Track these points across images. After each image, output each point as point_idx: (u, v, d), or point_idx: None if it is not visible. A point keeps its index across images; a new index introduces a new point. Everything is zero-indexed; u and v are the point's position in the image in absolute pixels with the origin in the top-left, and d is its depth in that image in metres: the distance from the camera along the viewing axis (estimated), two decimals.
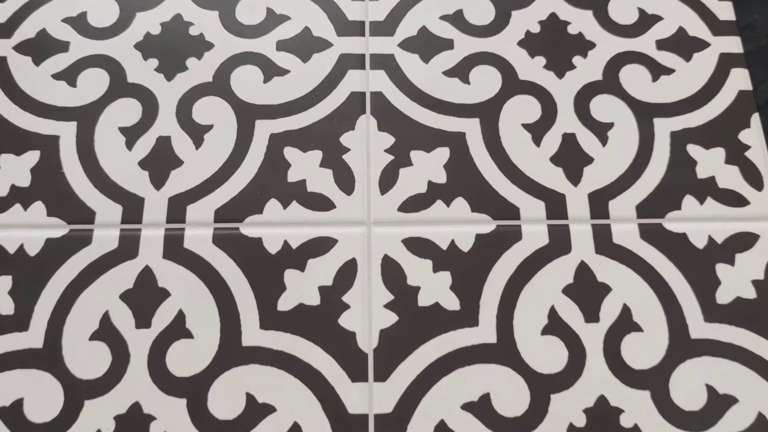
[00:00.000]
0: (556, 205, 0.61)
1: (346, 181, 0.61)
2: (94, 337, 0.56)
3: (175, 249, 0.59)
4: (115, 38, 0.67)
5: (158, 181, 0.61)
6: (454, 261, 0.58)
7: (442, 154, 0.63)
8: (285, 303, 0.57)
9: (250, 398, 0.54)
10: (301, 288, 0.57)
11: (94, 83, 0.65)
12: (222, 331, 0.56)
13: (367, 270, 0.58)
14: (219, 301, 0.57)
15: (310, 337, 0.56)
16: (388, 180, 0.61)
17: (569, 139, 0.63)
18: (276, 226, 0.59)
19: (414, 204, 0.60)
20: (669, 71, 0.66)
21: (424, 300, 0.57)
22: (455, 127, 0.64)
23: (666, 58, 0.67)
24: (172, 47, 0.67)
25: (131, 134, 0.63)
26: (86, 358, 0.55)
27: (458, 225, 0.60)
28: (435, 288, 0.57)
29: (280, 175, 0.61)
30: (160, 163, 0.62)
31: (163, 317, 0.56)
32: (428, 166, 0.62)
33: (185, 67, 0.66)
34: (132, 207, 0.60)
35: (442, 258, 0.58)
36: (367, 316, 0.57)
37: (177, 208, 0.60)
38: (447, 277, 0.58)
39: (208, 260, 0.58)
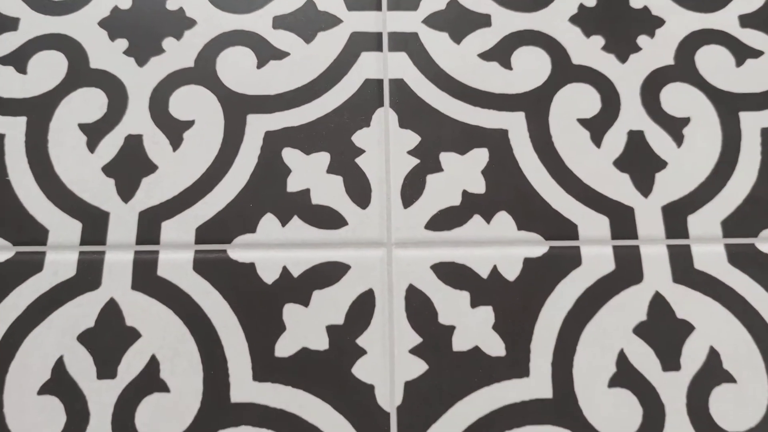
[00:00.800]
0: (622, 221, 0.48)
1: (360, 190, 0.49)
2: (44, 390, 0.44)
3: (146, 277, 0.46)
4: (75, 14, 0.54)
5: (126, 192, 0.49)
6: (497, 293, 0.46)
7: (480, 156, 0.50)
8: (284, 347, 0.45)
9: None
10: (305, 328, 0.45)
11: (48, 69, 0.52)
12: (205, 383, 0.44)
13: (387, 305, 0.46)
14: (201, 345, 0.45)
15: (316, 391, 0.44)
16: (412, 190, 0.49)
17: (636, 138, 0.51)
18: (273, 249, 0.47)
19: (445, 220, 0.48)
20: (756, 53, 0.54)
21: (460, 343, 0.45)
22: (495, 123, 0.51)
23: (752, 38, 0.54)
24: (145, 25, 0.54)
25: (94, 133, 0.50)
26: (33, 418, 0.43)
27: (501, 247, 0.47)
28: (474, 328, 0.45)
29: (277, 183, 0.49)
30: (129, 168, 0.49)
31: (131, 365, 0.44)
32: (462, 172, 0.49)
33: (161, 50, 0.53)
34: (94, 224, 0.48)
35: (482, 289, 0.46)
36: (389, 364, 0.44)
37: (149, 226, 0.48)
38: (488, 313, 0.46)
39: (188, 292, 0.46)
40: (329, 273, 0.46)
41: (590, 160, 0.50)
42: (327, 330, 0.45)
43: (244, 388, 0.44)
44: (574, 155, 0.50)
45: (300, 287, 0.46)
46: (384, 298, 0.46)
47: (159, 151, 0.50)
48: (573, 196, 0.49)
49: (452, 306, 0.46)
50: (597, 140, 0.51)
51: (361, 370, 0.44)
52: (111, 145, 0.50)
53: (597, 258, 0.47)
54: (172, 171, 0.49)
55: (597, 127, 0.51)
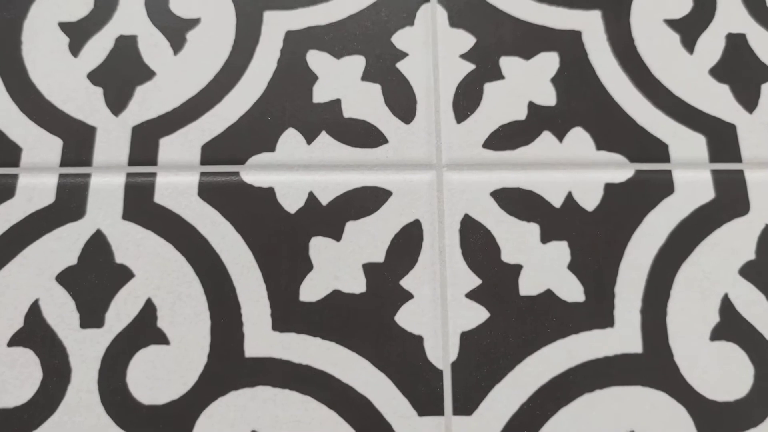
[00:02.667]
0: (722, 140, 0.38)
1: (402, 101, 0.38)
2: (15, 340, 0.34)
3: (141, 205, 0.37)
4: None
5: (117, 103, 0.39)
6: (573, 225, 0.36)
7: (548, 62, 0.40)
8: (311, 290, 0.35)
9: None
10: (337, 266, 0.35)
11: None
12: (213, 333, 0.34)
13: (438, 239, 0.36)
14: (209, 287, 0.35)
15: (351, 343, 0.34)
16: (467, 101, 0.38)
17: (737, 43, 0.40)
18: (296, 171, 0.37)
19: (508, 137, 0.38)
20: None
21: (528, 286, 0.35)
22: (566, 24, 0.40)
23: None
24: None
25: (78, 33, 0.40)
26: (2, 375, 0.34)
27: (577, 170, 0.37)
28: (545, 267, 0.35)
29: (301, 93, 0.39)
30: (121, 75, 0.39)
31: (122, 311, 0.35)
32: (528, 80, 0.39)
33: None
34: (77, 141, 0.38)
35: (555, 221, 0.36)
36: (441, 311, 0.35)
37: (145, 143, 0.38)
38: (563, 250, 0.36)
39: (192, 223, 0.36)
40: (365, 200, 0.36)
41: (681, 68, 0.40)
42: (364, 269, 0.35)
43: (261, 339, 0.34)
44: (661, 62, 0.40)
45: (330, 217, 0.36)
46: (434, 231, 0.36)
47: (157, 54, 0.40)
48: (662, 111, 0.38)
49: (518, 241, 0.36)
50: (689, 45, 0.40)
51: (406, 318, 0.34)
52: (99, 47, 0.40)
53: (693, 184, 0.37)
54: (173, 78, 0.39)
55: (688, 29, 0.40)
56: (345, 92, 0.38)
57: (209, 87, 0.39)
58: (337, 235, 0.36)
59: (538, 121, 0.38)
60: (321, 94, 0.38)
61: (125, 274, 0.35)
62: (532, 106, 0.38)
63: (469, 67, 0.39)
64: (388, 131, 0.37)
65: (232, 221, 0.36)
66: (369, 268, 0.35)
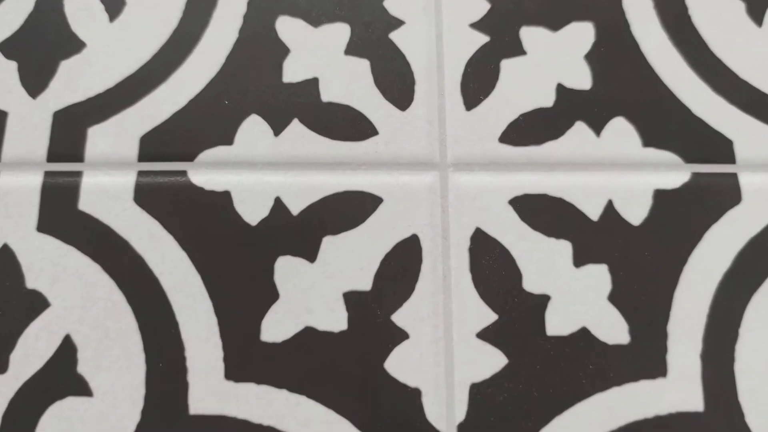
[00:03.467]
0: None
1: (397, 82, 0.30)
2: None
3: (61, 213, 0.28)
4: None
5: (36, 81, 0.30)
6: (615, 243, 0.28)
7: (582, 34, 0.31)
8: (276, 326, 0.27)
9: None
10: (310, 295, 0.27)
11: None
12: (149, 382, 0.26)
13: (441, 261, 0.27)
14: (144, 321, 0.27)
15: (327, 398, 0.26)
16: (479, 82, 0.30)
17: None
18: (260, 170, 0.29)
19: (531, 129, 0.29)
20: None
21: (557, 323, 0.27)
22: None
23: None
24: None
25: None
26: None
27: (619, 172, 0.29)
28: (579, 298, 0.27)
29: (268, 70, 0.30)
30: (41, 46, 0.31)
31: (32, 351, 0.26)
32: (556, 57, 0.30)
33: None
34: None
35: (592, 237, 0.28)
36: (444, 355, 0.26)
37: (69, 133, 0.29)
38: (602, 275, 0.27)
39: (125, 237, 0.28)
40: (348, 209, 0.28)
41: (748, 44, 0.31)
42: (345, 299, 0.27)
43: (211, 390, 0.26)
44: (723, 36, 0.31)
45: (302, 231, 0.28)
46: (436, 250, 0.27)
47: (88, 21, 0.31)
48: (725, 98, 0.30)
49: (545, 264, 0.27)
50: (757, 15, 0.32)
51: (399, 364, 0.26)
52: (12, 11, 0.31)
53: (765, 192, 0.29)
54: (108, 51, 0.30)
55: None
56: (324, 70, 0.30)
57: (152, 62, 0.30)
58: (310, 255, 0.27)
59: (569, 109, 0.29)
60: (293, 71, 0.30)
61: (38, 303, 0.27)
62: (561, 89, 0.30)
63: (482, 39, 0.30)
64: (379, 120, 0.29)
65: (176, 235, 0.27)
66: (352, 299, 0.27)
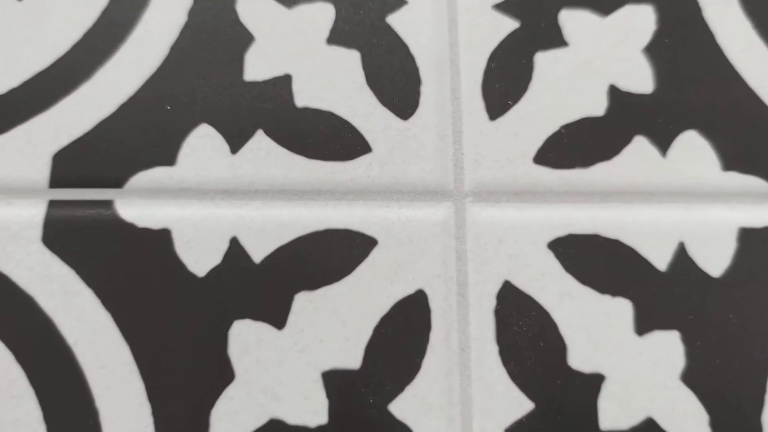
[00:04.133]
0: None
1: (396, 81, 0.22)
2: None
3: None
4: None
5: None
6: (690, 302, 0.21)
7: (640, 20, 0.24)
8: (231, 417, 0.20)
9: None
10: (277, 375, 0.20)
11: None
12: None
13: (458, 328, 0.20)
14: (52, 408, 0.20)
15: None
16: (507, 82, 0.23)
17: None
18: (210, 200, 0.21)
19: (576, 147, 0.22)
20: None
21: (614, 413, 0.20)
22: None
23: None
24: None
25: None
26: None
27: (692, 204, 0.22)
28: (643, 379, 0.20)
29: (225, 64, 0.23)
30: None
31: None
32: (606, 49, 0.23)
33: None
34: None
35: (658, 294, 0.21)
36: None
37: None
38: (673, 347, 0.20)
39: (29, 289, 0.21)
40: (331, 255, 0.21)
41: None
42: (325, 382, 0.20)
43: None
44: None
45: (268, 285, 0.21)
46: (450, 313, 0.20)
47: None
48: None
49: (597, 331, 0.20)
50: None
51: None
52: None
53: None
54: (12, 38, 0.23)
55: None
56: (299, 64, 0.23)
57: (72, 54, 0.23)
58: (278, 319, 0.20)
59: (625, 119, 0.22)
60: (259, 66, 0.23)
61: None
62: (615, 92, 0.23)
63: (511, 24, 0.23)
64: (372, 131, 0.22)
65: (97, 289, 0.20)
66: (334, 380, 0.20)
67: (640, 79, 0.23)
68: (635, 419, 0.20)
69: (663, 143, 0.22)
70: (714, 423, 0.20)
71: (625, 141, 0.22)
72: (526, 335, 0.20)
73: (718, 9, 0.24)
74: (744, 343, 0.20)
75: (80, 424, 0.19)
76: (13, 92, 0.22)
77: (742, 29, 0.23)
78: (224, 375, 0.20)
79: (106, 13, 0.23)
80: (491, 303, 0.20)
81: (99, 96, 0.22)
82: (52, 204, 0.21)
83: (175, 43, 0.23)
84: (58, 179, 0.21)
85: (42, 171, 0.21)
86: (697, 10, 0.24)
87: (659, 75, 0.23)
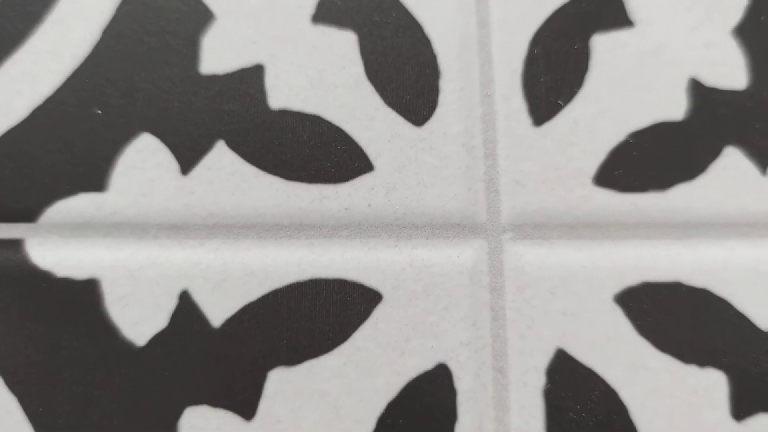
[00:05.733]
0: None
1: (409, 72, 0.18)
2: None
3: None
4: None
5: None
6: None
7: (709, 18, 0.19)
8: None
9: None
10: None
11: None
12: None
13: (492, 412, 0.16)
14: None
15: None
16: (554, 73, 0.18)
17: None
18: (155, 237, 0.17)
19: (648, 161, 0.17)
20: None
21: None
22: None
23: None
24: None
25: None
26: None
27: None
28: None
29: (174, 50, 0.18)
30: None
31: None
32: (684, 31, 0.18)
33: None
34: None
35: (762, 360, 0.16)
36: None
37: None
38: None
39: None
40: (316, 316, 0.16)
41: None
42: None
43: None
44: None
45: (230, 358, 0.16)
46: (483, 395, 0.16)
47: None
48: None
49: (682, 414, 0.16)
50: None
51: None
52: None
53: None
54: None
55: None
56: (275, 50, 0.18)
57: None
58: (246, 405, 0.15)
59: (713, 124, 0.17)
60: (219, 53, 0.17)
61: None
62: (698, 88, 0.18)
63: (555, 2, 0.18)
64: (374, 142, 0.17)
65: (3, 374, 0.15)
66: None
67: (730, 71, 0.18)
68: None
69: (763, 155, 0.17)
70: None
71: (714, 154, 0.17)
72: (586, 424, 0.15)
73: None
74: None
75: None
76: None
77: None
78: None
79: None
80: (539, 381, 0.15)
81: (4, 98, 0.17)
82: None
83: (109, 24, 0.18)
84: None
85: None
86: None
87: (755, 65, 0.18)
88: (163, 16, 0.18)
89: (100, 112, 0.17)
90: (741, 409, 0.16)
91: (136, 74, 0.17)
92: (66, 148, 0.17)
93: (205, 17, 0.18)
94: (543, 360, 0.15)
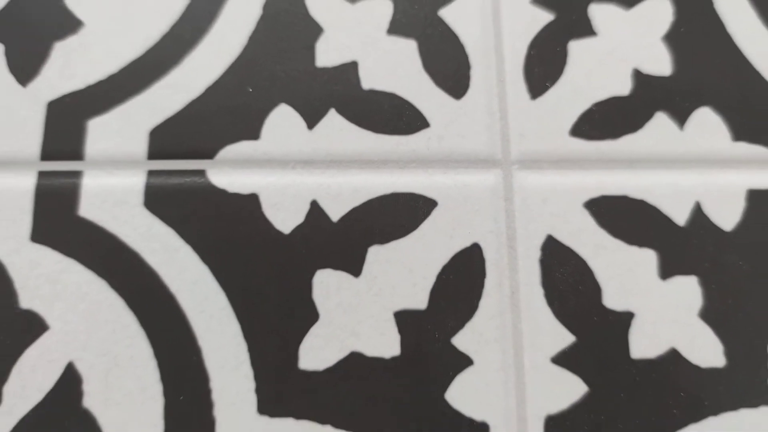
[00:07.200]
0: None
1: (449, 66, 0.28)
2: None
3: (59, 220, 0.26)
4: None
5: (26, 66, 0.28)
6: (705, 252, 0.26)
7: (659, 12, 0.29)
8: (317, 352, 0.25)
9: None
10: (356, 315, 0.25)
11: None
12: (168, 417, 0.24)
13: (508, 275, 0.26)
14: (160, 347, 0.25)
15: None
16: (544, 66, 0.28)
17: None
18: (292, 169, 0.27)
19: (606, 121, 0.27)
20: None
21: (643, 344, 0.25)
22: None
23: None
24: None
25: None
26: None
27: (707, 170, 0.27)
28: (667, 316, 0.25)
29: (299, 52, 0.28)
30: (32, 26, 0.29)
31: (30, 382, 0.24)
32: (631, 38, 0.29)
33: None
34: None
35: (679, 245, 0.26)
36: (515, 383, 0.25)
37: (67, 127, 0.27)
38: (692, 289, 0.26)
39: (135, 247, 0.26)
40: (398, 214, 0.26)
41: None
42: (397, 320, 0.25)
43: (242, 427, 0.24)
44: None
45: (344, 240, 0.26)
46: (501, 262, 0.26)
47: None
48: None
49: (627, 277, 0.26)
50: None
51: (463, 394, 0.24)
52: None
53: None
54: (109, 30, 0.28)
55: None
56: (364, 52, 0.28)
57: (162, 43, 0.28)
58: (355, 268, 0.25)
59: (648, 98, 0.28)
60: (328, 54, 0.28)
61: (34, 326, 0.25)
62: (638, 75, 0.28)
63: (547, 17, 0.29)
64: (430, 110, 0.27)
65: (195, 245, 0.26)
66: (405, 319, 0.25)
67: (660, 63, 0.28)
68: (661, 349, 0.25)
69: (680, 118, 0.27)
70: (728, 352, 0.25)
71: (648, 116, 0.27)
72: (567, 281, 0.25)
73: (728, 0, 0.29)
74: (753, 285, 0.26)
75: (185, 360, 0.24)
76: (111, 78, 0.28)
77: (748, 18, 0.29)
78: (309, 316, 0.25)
79: (190, 8, 0.29)
80: (536, 254, 0.26)
81: (187, 80, 0.27)
82: (151, 173, 0.26)
83: (252, 33, 0.28)
84: (155, 152, 0.27)
85: (140, 145, 0.27)
86: (710, 2, 0.29)
87: (676, 59, 0.28)
88: (288, 29, 0.28)
89: (251, 90, 0.27)
90: (665, 273, 0.26)
91: (274, 66, 0.28)
92: (231, 113, 0.27)
93: (317, 30, 0.28)
94: (539, 241, 0.26)
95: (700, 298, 0.25)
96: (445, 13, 0.28)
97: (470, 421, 0.24)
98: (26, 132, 0.27)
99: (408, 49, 0.28)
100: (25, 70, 0.28)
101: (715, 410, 0.25)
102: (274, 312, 0.25)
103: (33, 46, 0.28)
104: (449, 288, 0.25)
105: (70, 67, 0.28)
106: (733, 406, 0.25)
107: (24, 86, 0.27)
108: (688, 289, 0.26)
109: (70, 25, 0.28)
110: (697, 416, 0.24)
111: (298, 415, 0.24)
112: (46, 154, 0.27)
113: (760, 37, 0.29)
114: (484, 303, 0.25)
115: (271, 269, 0.25)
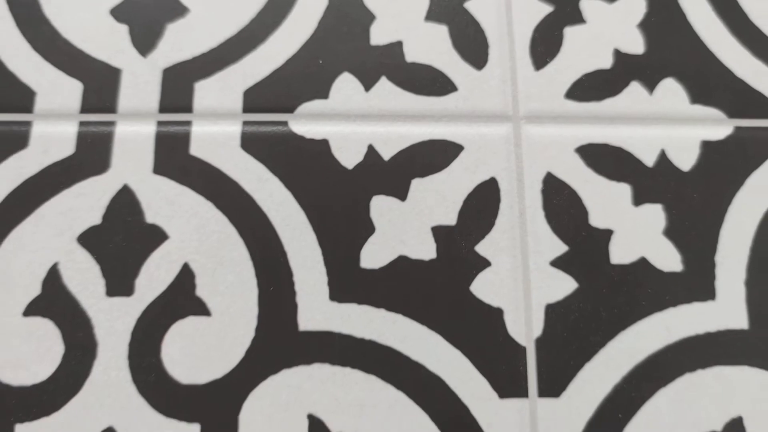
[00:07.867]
0: None
1: (473, 45, 0.37)
2: (32, 309, 0.32)
3: (174, 157, 0.35)
4: None
5: (145, 42, 0.37)
6: (669, 187, 0.35)
7: (635, 5, 0.38)
8: (374, 255, 0.33)
9: (315, 427, 0.31)
10: (402, 229, 0.34)
11: None
12: (262, 303, 0.33)
13: (517, 199, 0.34)
14: (255, 251, 0.33)
15: (420, 316, 0.33)
16: (545, 46, 0.37)
17: None
18: (353, 121, 0.35)
19: (593, 88, 0.36)
20: None
21: (620, 254, 0.34)
22: None
23: None
24: None
25: None
26: (18, 349, 0.32)
27: (670, 125, 0.36)
28: (638, 232, 0.34)
29: (357, 33, 0.37)
30: (149, 11, 0.37)
31: (154, 277, 0.33)
32: (612, 25, 0.38)
33: None
34: (99, 85, 0.36)
35: (648, 181, 0.35)
36: (522, 280, 0.33)
37: (178, 88, 0.36)
38: (658, 213, 0.34)
39: (235, 178, 0.34)
40: (433, 155, 0.35)
41: None
42: (433, 233, 0.34)
43: (317, 310, 0.32)
44: (761, 7, 0.39)
45: (393, 174, 0.34)
46: (512, 191, 0.34)
47: None
48: (763, 61, 0.37)
49: (608, 203, 0.34)
50: None
51: (483, 288, 0.33)
52: None
53: None
54: (210, 14, 0.37)
55: None
56: (407, 34, 0.37)
57: (250, 26, 0.37)
58: (401, 194, 0.34)
59: (625, 71, 0.36)
60: (380, 35, 0.37)
61: (157, 236, 0.33)
62: (618, 53, 0.37)
63: (547, 8, 0.37)
64: (457, 78, 0.36)
65: (280, 177, 0.34)
66: (439, 232, 0.33)
67: (635, 45, 0.37)
68: (634, 258, 0.33)
69: (650, 86, 0.36)
70: (684, 261, 0.34)
71: (625, 84, 0.36)
72: (561, 205, 0.34)
73: None
74: (704, 211, 0.34)
75: (275, 261, 0.33)
76: (213, 50, 0.36)
77: (704, 11, 0.38)
78: (368, 229, 0.33)
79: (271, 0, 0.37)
80: (539, 186, 0.34)
81: (272, 53, 0.36)
82: (245, 123, 0.35)
83: (321, 19, 0.37)
84: (248, 107, 0.35)
85: (236, 102, 0.35)
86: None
87: (648, 42, 0.37)
88: (349, 15, 0.37)
89: (321, 62, 0.36)
90: (637, 201, 0.34)
91: (338, 44, 0.36)
92: (306, 79, 0.36)
93: (371, 17, 0.37)
94: (540, 176, 0.34)
95: (663, 220, 0.34)
96: (469, 6, 0.37)
97: (489, 308, 0.33)
98: (147, 91, 0.36)
99: (441, 32, 0.37)
100: (145, 45, 0.37)
101: (674, 303, 0.33)
102: (341, 226, 0.34)
103: (151, 27, 0.37)
104: (473, 209, 0.34)
105: (179, 42, 0.37)
106: (688, 300, 0.33)
107: (144, 57, 0.36)
108: (654, 214, 0.34)
109: (178, 10, 0.37)
110: (660, 307, 0.33)
111: (360, 302, 0.33)
112: (163, 108, 0.35)
113: (714, 26, 0.38)
114: (499, 221, 0.34)
115: (338, 195, 0.34)
